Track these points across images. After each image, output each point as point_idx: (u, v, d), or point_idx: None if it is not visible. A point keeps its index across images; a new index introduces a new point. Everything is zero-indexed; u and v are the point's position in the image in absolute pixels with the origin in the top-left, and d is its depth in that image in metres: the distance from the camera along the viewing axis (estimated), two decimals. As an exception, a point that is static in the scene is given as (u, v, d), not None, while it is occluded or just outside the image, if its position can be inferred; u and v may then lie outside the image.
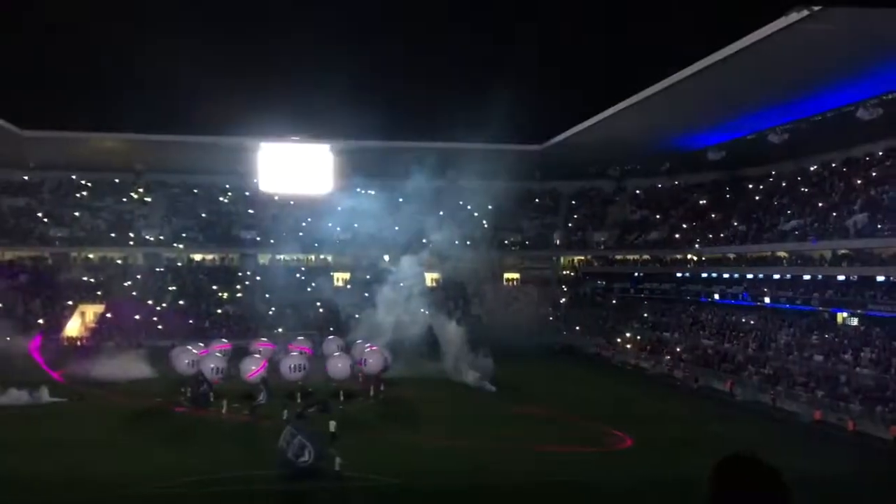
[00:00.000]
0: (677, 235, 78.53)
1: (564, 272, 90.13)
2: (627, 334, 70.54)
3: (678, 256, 77.23)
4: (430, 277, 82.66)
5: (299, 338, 57.03)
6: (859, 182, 59.43)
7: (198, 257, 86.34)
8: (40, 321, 71.36)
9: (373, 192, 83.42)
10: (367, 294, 69.34)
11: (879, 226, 51.96)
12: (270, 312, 75.21)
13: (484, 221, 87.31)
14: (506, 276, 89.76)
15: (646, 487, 28.99)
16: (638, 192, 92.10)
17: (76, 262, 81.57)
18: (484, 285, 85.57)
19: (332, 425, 34.83)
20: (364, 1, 74.14)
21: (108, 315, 74.59)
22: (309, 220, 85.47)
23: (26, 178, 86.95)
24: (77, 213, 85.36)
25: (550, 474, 30.96)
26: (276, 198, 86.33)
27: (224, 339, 56.26)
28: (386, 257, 79.86)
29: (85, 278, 79.13)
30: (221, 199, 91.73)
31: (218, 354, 47.96)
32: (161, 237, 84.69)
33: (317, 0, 78.57)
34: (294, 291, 77.63)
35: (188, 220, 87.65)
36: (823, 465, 30.99)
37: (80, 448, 33.64)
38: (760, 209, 69.81)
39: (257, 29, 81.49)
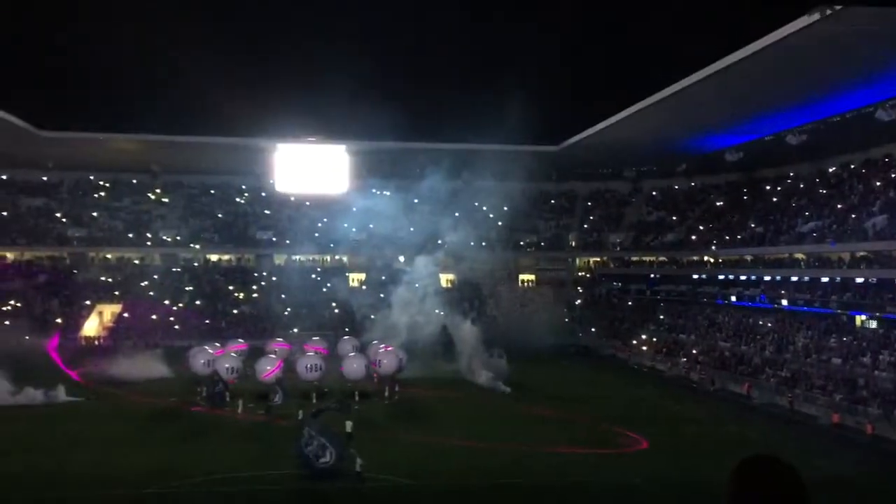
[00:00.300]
0: (694, 237, 78.13)
1: (580, 273, 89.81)
2: (643, 336, 70.21)
3: (695, 258, 76.81)
4: (446, 278, 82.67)
5: (315, 338, 57.21)
6: (878, 184, 58.86)
7: (214, 258, 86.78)
8: (58, 321, 71.96)
9: (388, 193, 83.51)
10: (382, 295, 69.45)
11: (899, 228, 51.43)
12: (286, 313, 75.52)
13: (499, 222, 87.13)
14: (521, 277, 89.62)
15: (660, 489, 28.87)
16: (654, 193, 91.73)
17: (94, 263, 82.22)
18: (499, 286, 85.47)
19: (349, 425, 34.93)
20: (381, 2, 74.12)
21: (126, 315, 75.10)
22: (324, 220, 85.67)
23: (45, 178, 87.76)
24: (95, 214, 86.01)
25: (564, 476, 30.87)
26: (292, 198, 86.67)
27: (240, 340, 56.55)
28: (401, 258, 79.95)
29: (102, 278, 79.74)
30: (238, 199, 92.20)
31: (233, 354, 48.20)
32: (178, 237, 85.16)
33: (334, 3, 78.69)
34: (309, 292, 77.98)
35: (205, 220, 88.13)
36: (842, 468, 30.76)
37: (96, 446, 33.92)
38: (778, 211, 69.32)
39: (274, 31, 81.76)
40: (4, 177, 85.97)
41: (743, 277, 67.50)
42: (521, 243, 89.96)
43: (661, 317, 73.37)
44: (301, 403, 42.67)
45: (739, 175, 79.57)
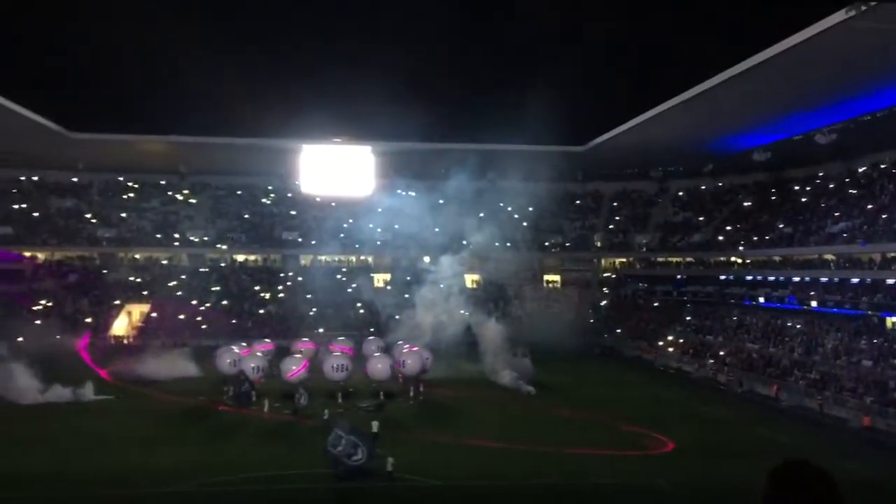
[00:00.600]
0: (721, 237, 77.44)
1: (605, 274, 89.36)
2: (670, 337, 69.67)
3: (722, 259, 76.13)
4: (470, 279, 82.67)
5: (340, 338, 57.45)
6: (910, 183, 58.05)
7: (241, 258, 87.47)
8: (88, 320, 72.89)
9: (413, 194, 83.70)
10: (407, 295, 69.54)
11: (931, 228, 50.67)
12: (311, 313, 75.92)
13: (524, 223, 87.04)
14: (546, 277, 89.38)
15: (686, 492, 28.65)
16: (681, 193, 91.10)
17: (123, 263, 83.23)
18: (524, 287, 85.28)
19: (375, 425, 35.05)
20: (406, 4, 74.34)
21: (154, 314, 75.90)
22: (350, 221, 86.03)
23: (75, 179, 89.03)
24: (124, 214, 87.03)
25: (589, 477, 30.73)
26: (318, 199, 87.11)
27: (266, 339, 56.97)
28: (426, 258, 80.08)
29: (131, 278, 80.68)
30: (264, 200, 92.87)
31: (259, 354, 48.54)
32: (205, 238, 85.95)
33: (360, 4, 79.12)
34: (335, 292, 78.35)
35: (231, 221, 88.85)
36: (873, 471, 30.34)
37: (124, 444, 34.34)
38: (807, 211, 68.54)
39: (302, 33, 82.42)
40: (36, 178, 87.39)
41: (771, 278, 66.80)
42: (547, 244, 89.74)
43: (688, 318, 72.75)
44: (326, 403, 42.94)
45: (767, 175, 78.82)
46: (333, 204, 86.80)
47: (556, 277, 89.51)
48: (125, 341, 71.42)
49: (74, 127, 72.72)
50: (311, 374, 46.67)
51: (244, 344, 52.31)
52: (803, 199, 71.65)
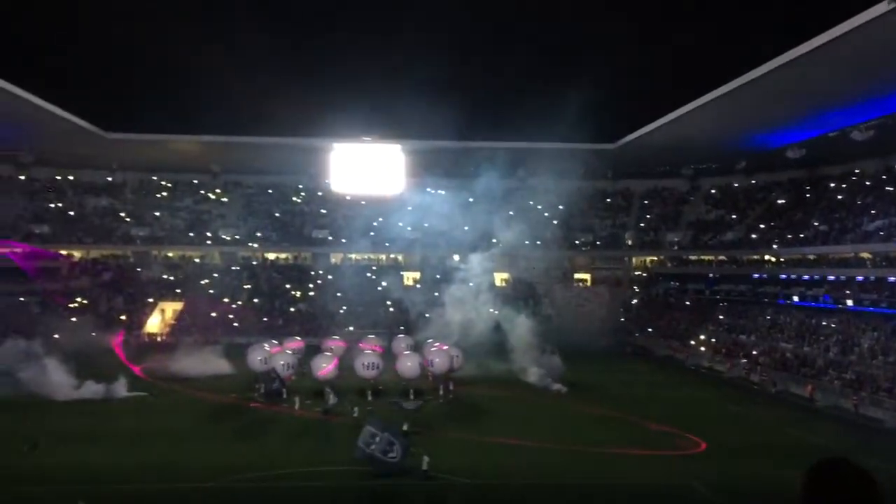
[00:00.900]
0: (754, 236, 76.49)
1: (636, 273, 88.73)
2: (702, 336, 68.99)
3: (755, 257, 75.22)
4: (500, 277, 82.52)
5: (370, 336, 57.64)
6: (949, 180, 56.89)
7: (272, 256, 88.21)
8: (122, 317, 73.93)
9: (443, 192, 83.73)
10: (436, 293, 69.56)
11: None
12: (341, 311, 76.29)
13: (554, 221, 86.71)
14: (576, 276, 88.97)
15: (719, 493, 28.33)
16: (713, 191, 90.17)
17: (156, 261, 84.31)
18: (554, 286, 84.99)
19: (406, 425, 35.10)
20: (439, 4, 74.45)
21: (187, 312, 76.75)
22: (380, 219, 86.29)
23: (110, 179, 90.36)
24: (157, 213, 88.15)
25: (620, 476, 30.53)
26: (348, 197, 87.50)
27: (297, 337, 57.35)
28: (456, 256, 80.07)
29: (164, 276, 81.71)
30: (295, 199, 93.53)
31: (288, 352, 48.82)
32: (237, 236, 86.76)
33: (392, 4, 79.32)
34: (365, 290, 78.62)
35: (263, 219, 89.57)
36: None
37: (157, 440, 34.75)
38: (843, 209, 67.48)
39: (332, 32, 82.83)
40: (72, 178, 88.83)
41: (806, 277, 65.87)
42: (577, 242, 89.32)
43: (721, 317, 71.96)
44: (356, 401, 43.10)
45: (802, 172, 77.70)
46: (363, 202, 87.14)
47: (587, 276, 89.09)
48: (158, 339, 72.32)
49: (110, 127, 73.81)
50: (341, 373, 46.93)
51: (275, 341, 52.68)
52: (839, 197, 70.54)
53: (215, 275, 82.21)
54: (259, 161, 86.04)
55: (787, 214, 75.26)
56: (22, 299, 70.18)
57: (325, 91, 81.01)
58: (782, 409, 46.44)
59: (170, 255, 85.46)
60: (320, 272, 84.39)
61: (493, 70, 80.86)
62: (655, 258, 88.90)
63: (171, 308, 78.23)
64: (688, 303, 79.61)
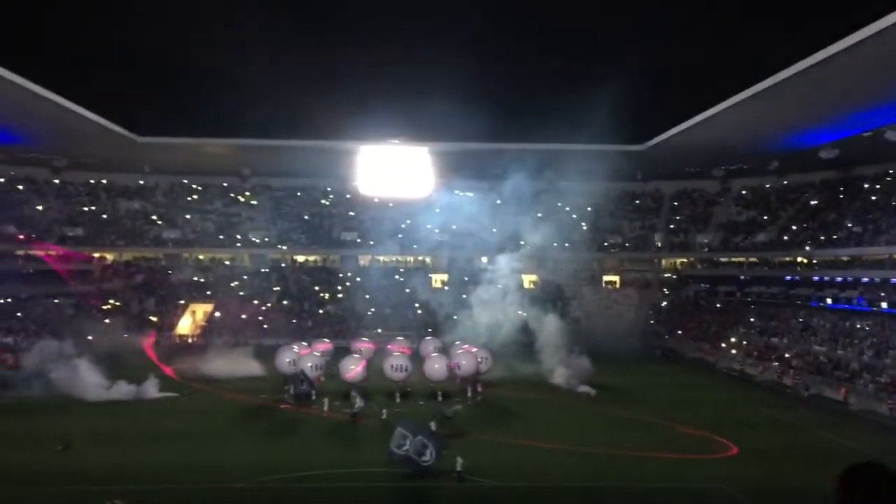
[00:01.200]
0: (786, 237, 75.52)
1: (666, 275, 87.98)
2: (733, 339, 68.19)
3: (787, 259, 74.21)
4: (528, 279, 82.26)
5: (399, 338, 57.72)
6: None
7: (301, 258, 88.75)
8: (154, 319, 74.83)
9: (471, 194, 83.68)
10: (464, 295, 69.50)
11: None
12: (370, 313, 76.53)
13: (583, 223, 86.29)
14: (605, 278, 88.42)
15: (751, 497, 27.96)
16: (744, 192, 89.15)
17: (187, 263, 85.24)
18: (583, 288, 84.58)
19: (433, 425, 35.10)
20: (468, 6, 74.53)
21: (217, 314, 77.44)
22: (408, 221, 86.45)
23: (142, 182, 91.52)
24: (188, 216, 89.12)
25: (650, 480, 30.26)
26: (376, 200, 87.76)
27: (325, 339, 57.62)
28: (483, 258, 79.98)
29: (195, 278, 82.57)
30: (323, 201, 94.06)
31: (317, 353, 49.04)
32: (266, 239, 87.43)
33: (423, 6, 79.48)
34: (393, 292, 78.79)
35: (292, 222, 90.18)
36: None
37: (187, 441, 35.12)
38: (877, 209, 66.38)
39: (361, 35, 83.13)
40: (104, 181, 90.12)
41: (839, 279, 64.84)
42: (606, 244, 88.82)
43: (752, 319, 71.07)
44: (384, 403, 43.18)
45: (835, 172, 76.60)
46: (391, 204, 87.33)
47: (616, 278, 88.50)
48: (189, 340, 73.04)
49: (141, 131, 74.72)
50: (369, 375, 47.08)
51: (304, 343, 52.95)
52: (873, 197, 69.39)
53: (245, 277, 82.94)
54: (288, 164, 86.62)
55: (821, 215, 74.20)
56: (56, 301, 71.28)
57: (354, 94, 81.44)
58: (815, 413, 45.76)
59: (200, 257, 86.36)
60: (348, 274, 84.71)
61: (522, 72, 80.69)
62: (685, 260, 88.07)
63: (201, 310, 78.99)
64: (718, 305, 78.76)
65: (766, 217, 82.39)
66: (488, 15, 73.44)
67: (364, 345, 54.54)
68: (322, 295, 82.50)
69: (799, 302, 68.14)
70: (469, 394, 47.78)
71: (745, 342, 66.75)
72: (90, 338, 60.12)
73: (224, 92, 79.35)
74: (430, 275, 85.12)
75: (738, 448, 35.67)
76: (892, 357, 50.91)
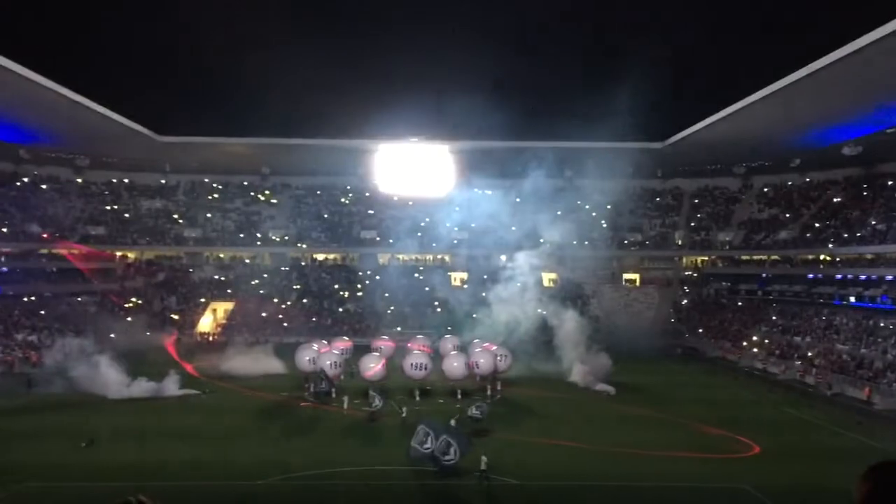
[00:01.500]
0: (809, 235, 74.78)
1: (686, 273, 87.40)
2: (755, 338, 67.61)
3: (810, 257, 73.49)
4: (548, 277, 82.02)
5: (418, 336, 57.78)
6: None
7: (320, 257, 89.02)
8: (175, 317, 75.39)
9: (490, 192, 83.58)
10: (483, 293, 69.40)
11: None
12: (389, 311, 76.64)
13: (603, 221, 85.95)
14: (625, 276, 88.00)
15: (773, 497, 27.73)
16: (766, 189, 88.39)
17: (208, 261, 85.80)
18: (603, 286, 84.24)
19: (453, 422, 35.08)
20: (490, 7, 74.47)
21: (237, 312, 77.87)
22: (427, 219, 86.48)
23: (163, 181, 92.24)
24: (209, 215, 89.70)
25: (671, 479, 30.08)
26: (396, 198, 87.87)
27: (345, 337, 57.78)
28: (503, 257, 79.87)
29: (216, 277, 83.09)
30: (343, 200, 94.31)
31: (335, 352, 49.18)
32: (286, 237, 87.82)
33: (443, 5, 79.54)
34: (412, 290, 78.85)
35: (311, 220, 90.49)
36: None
37: (207, 438, 35.38)
38: (902, 207, 65.60)
39: (382, 35, 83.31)
40: (126, 180, 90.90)
41: (863, 277, 64.11)
42: (626, 242, 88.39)
43: (774, 318, 70.43)
44: (404, 401, 43.25)
45: (859, 169, 75.77)
46: (411, 203, 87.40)
47: (636, 276, 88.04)
48: (210, 338, 73.51)
49: (162, 130, 75.32)
50: (389, 373, 47.17)
51: (324, 341, 53.13)
52: (898, 195, 68.62)
53: (265, 275, 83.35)
54: (308, 163, 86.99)
55: (844, 213, 73.41)
56: (79, 299, 72.03)
57: (375, 93, 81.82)
58: (838, 413, 45.31)
59: (221, 255, 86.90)
60: (368, 272, 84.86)
61: (543, 70, 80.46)
62: (706, 258, 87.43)
63: (222, 308, 79.48)
64: (740, 303, 78.11)
65: (788, 214, 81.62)
66: (509, 13, 73.28)
67: (384, 343, 54.68)
68: (342, 293, 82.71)
69: (822, 300, 67.45)
70: (489, 392, 47.71)
71: (766, 341, 66.17)
72: (112, 335, 60.72)
73: (244, 91, 79.95)
74: (449, 273, 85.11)
75: (759, 447, 35.40)
76: (917, 356, 50.29)
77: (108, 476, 28.76)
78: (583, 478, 30.16)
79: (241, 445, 34.28)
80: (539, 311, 62.83)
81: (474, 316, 66.96)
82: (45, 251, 74.34)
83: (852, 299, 63.07)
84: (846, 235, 68.69)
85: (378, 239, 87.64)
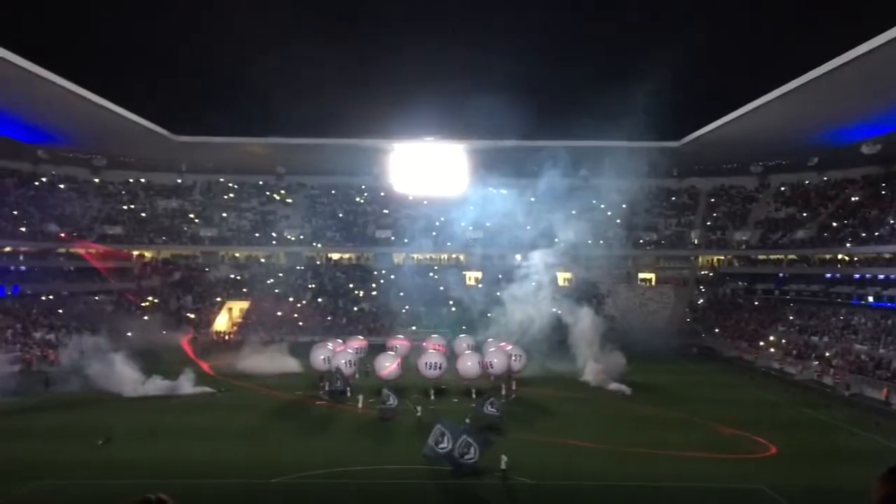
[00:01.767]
0: (826, 234, 74.19)
1: (703, 272, 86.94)
2: (771, 337, 67.15)
3: (827, 256, 72.93)
4: (563, 276, 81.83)
5: (433, 336, 57.76)
6: None
7: (335, 256, 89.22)
8: (191, 316, 75.79)
9: (505, 191, 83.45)
10: (498, 293, 69.34)
11: None
12: (404, 310, 76.67)
13: (618, 220, 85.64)
14: (641, 275, 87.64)
15: (790, 497, 27.51)
16: (783, 188, 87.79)
17: (224, 261, 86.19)
18: (618, 285, 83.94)
19: (467, 421, 35.03)
20: (506, 8, 74.36)
21: (253, 311, 78.17)
22: (441, 219, 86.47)
23: (179, 181, 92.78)
24: (224, 214, 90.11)
25: (687, 480, 29.91)
26: (410, 198, 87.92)
27: (360, 336, 57.86)
28: (517, 256, 79.74)
29: (231, 276, 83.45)
30: (358, 199, 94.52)
31: (350, 351, 49.24)
32: (301, 236, 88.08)
33: (461, 7, 79.52)
34: (427, 289, 78.85)
35: (326, 219, 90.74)
36: None
37: (223, 436, 35.50)
38: (921, 205, 64.96)
39: (397, 36, 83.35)
40: (143, 180, 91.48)
41: (881, 276, 63.55)
42: (641, 241, 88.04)
43: (791, 317, 69.92)
44: (419, 400, 43.25)
45: (878, 168, 75.09)
46: (425, 202, 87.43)
47: (651, 275, 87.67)
48: (225, 337, 73.83)
49: (179, 130, 75.74)
50: (404, 372, 47.17)
51: (339, 340, 53.22)
52: (917, 193, 67.98)
53: (280, 274, 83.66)
54: (323, 162, 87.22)
55: (862, 212, 72.79)
56: (96, 298, 72.58)
57: (390, 93, 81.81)
58: (856, 413, 44.90)
59: (236, 255, 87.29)
60: (383, 272, 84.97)
61: (559, 69, 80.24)
62: (722, 257, 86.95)
63: (237, 307, 79.82)
64: (756, 303, 77.62)
65: (805, 214, 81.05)
66: (526, 12, 73.15)
67: (399, 342, 54.73)
68: (356, 292, 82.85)
69: (840, 300, 66.93)
70: (503, 391, 47.61)
71: (784, 341, 65.70)
72: (129, 334, 61.14)
73: (260, 91, 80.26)
74: (463, 272, 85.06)
75: (776, 448, 35.13)
76: (937, 356, 49.76)
77: (124, 473, 28.93)
78: (598, 478, 30.03)
79: (255, 444, 34.38)
80: (553, 310, 62.63)
81: (489, 315, 66.89)
82: (62, 250, 74.95)
83: (870, 299, 62.55)
84: (864, 235, 68.12)
85: (393, 238, 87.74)
